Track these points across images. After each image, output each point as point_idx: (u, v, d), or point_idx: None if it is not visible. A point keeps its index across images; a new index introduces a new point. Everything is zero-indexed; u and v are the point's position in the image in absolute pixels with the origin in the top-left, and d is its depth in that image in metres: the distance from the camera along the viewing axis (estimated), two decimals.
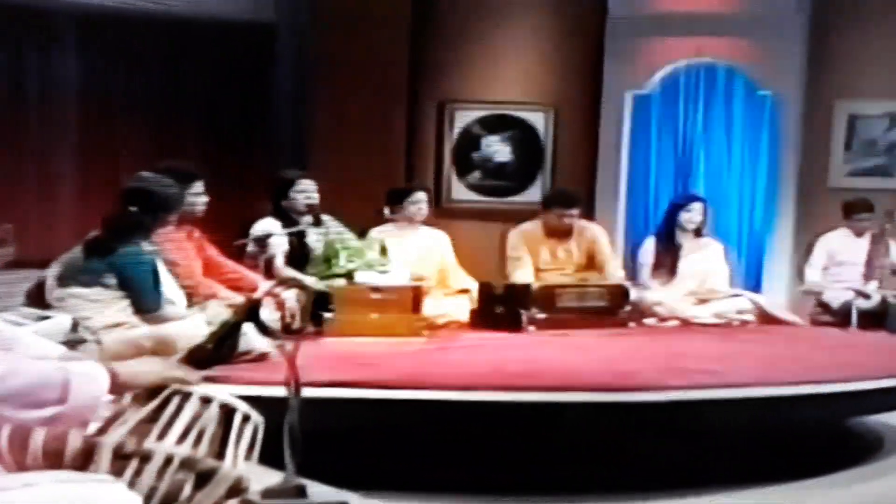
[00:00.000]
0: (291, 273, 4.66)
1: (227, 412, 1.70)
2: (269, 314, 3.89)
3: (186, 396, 1.68)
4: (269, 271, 4.58)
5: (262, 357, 3.50)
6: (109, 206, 3.82)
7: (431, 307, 4.70)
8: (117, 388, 1.62)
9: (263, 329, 1.89)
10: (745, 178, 7.15)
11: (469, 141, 6.77)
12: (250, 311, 1.95)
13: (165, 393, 1.66)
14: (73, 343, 2.93)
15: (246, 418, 1.72)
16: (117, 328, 3.46)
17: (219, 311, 3.75)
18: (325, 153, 6.37)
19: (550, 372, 3.63)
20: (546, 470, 3.61)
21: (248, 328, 3.47)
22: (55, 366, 1.58)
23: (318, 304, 4.30)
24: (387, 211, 5.23)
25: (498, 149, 6.81)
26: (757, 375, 3.79)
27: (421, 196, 5.22)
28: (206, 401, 1.69)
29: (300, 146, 6.54)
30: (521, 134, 6.79)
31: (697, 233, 5.61)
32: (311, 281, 4.49)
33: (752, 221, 7.15)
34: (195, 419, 1.66)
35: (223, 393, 1.72)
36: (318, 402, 2.76)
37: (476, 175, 6.83)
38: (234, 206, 5.41)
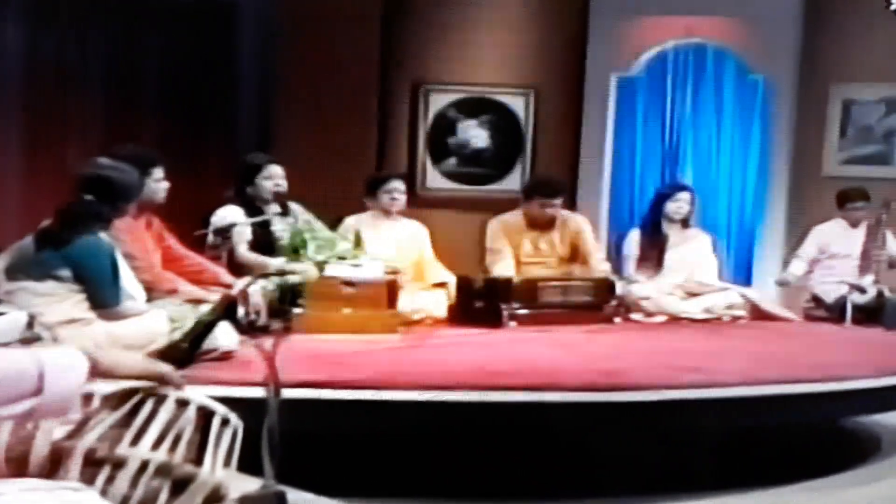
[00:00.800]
0: (254, 258, 4.66)
1: (205, 415, 1.72)
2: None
3: (161, 399, 1.69)
4: (231, 263, 4.58)
5: (227, 356, 3.52)
6: (58, 192, 3.80)
7: (407, 302, 4.73)
8: (98, 376, 1.61)
9: (240, 327, 1.91)
10: (735, 166, 7.24)
11: (444, 126, 6.78)
12: (227, 309, 1.96)
13: (139, 395, 1.67)
14: (28, 341, 2.92)
15: (225, 422, 1.73)
16: (72, 324, 3.45)
17: (182, 307, 3.76)
18: (290, 137, 6.36)
19: (534, 370, 3.67)
20: (530, 472, 3.66)
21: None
22: (26, 353, 1.57)
23: (285, 299, 4.31)
24: (365, 199, 5.25)
25: (475, 134, 6.84)
26: (747, 374, 3.85)
27: (395, 185, 5.23)
28: (182, 403, 1.70)
29: (264, 129, 6.53)
30: (499, 118, 6.81)
31: (684, 224, 5.68)
32: (277, 263, 4.49)
33: (742, 211, 7.24)
34: (171, 423, 1.67)
35: (200, 395, 1.73)
36: (287, 404, 2.78)
37: (452, 162, 6.85)
38: (193, 192, 5.38)
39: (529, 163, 6.86)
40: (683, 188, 5.81)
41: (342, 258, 4.52)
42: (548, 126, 6.88)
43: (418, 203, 6.11)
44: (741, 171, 7.23)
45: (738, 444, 4.00)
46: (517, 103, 6.83)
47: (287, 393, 3.02)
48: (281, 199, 4.87)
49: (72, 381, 1.56)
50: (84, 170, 3.72)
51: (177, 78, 6.24)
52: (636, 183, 7.17)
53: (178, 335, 3.51)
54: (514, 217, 5.51)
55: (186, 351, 1.68)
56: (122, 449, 1.64)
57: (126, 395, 1.68)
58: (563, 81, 6.92)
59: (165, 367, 1.73)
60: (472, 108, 6.80)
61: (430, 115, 6.77)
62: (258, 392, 3.08)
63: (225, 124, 6.47)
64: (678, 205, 5.60)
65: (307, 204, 5.05)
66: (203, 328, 1.84)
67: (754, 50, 6.89)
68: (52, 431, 1.69)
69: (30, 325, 2.96)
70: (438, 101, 6.78)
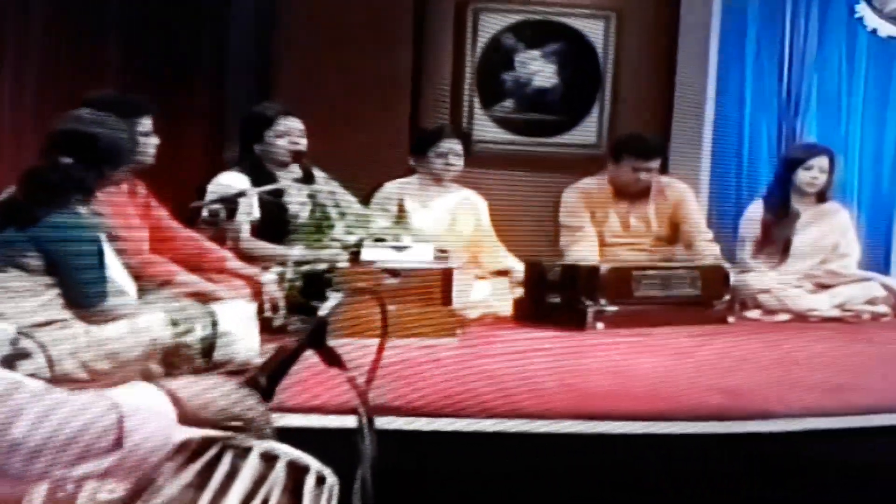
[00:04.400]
0: (262, 247, 4.68)
1: (296, 472, 1.73)
2: (241, 307, 3.91)
3: (243, 452, 1.70)
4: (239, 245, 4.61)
5: (246, 368, 3.54)
6: (13, 152, 3.78)
7: (461, 294, 4.74)
8: (183, 419, 1.63)
9: (331, 357, 1.91)
10: (868, 119, 7.19)
11: (499, 57, 6.78)
12: (316, 332, 1.96)
13: (217, 445, 1.68)
14: (12, 358, 2.93)
15: (320, 480, 1.75)
16: (44, 328, 3.45)
17: (184, 304, 3.77)
18: (296, 76, 6.35)
19: (642, 390, 3.69)
20: None
21: (230, 327, 3.50)
22: (101, 399, 1.59)
23: (310, 292, 4.33)
24: (412, 160, 5.26)
25: (538, 69, 6.82)
26: None
27: (450, 145, 5.25)
28: (269, 458, 1.71)
29: (261, 65, 6.50)
30: (570, 49, 6.81)
31: (820, 197, 5.67)
32: (295, 254, 4.50)
33: (877, 178, 7.20)
34: (257, 483, 1.68)
35: (289, 447, 1.75)
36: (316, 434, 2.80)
37: (508, 105, 6.85)
38: (174, 151, 5.36)
39: (609, 107, 6.84)
40: (821, 151, 5.78)
41: (380, 239, 4.54)
42: (633, 59, 6.87)
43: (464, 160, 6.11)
44: (877, 126, 7.18)
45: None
46: (594, 29, 6.81)
47: (319, 420, 3.08)
48: (300, 161, 4.87)
49: (156, 432, 1.58)
50: (59, 124, 3.72)
51: (152, 6, 6.19)
52: (745, 139, 7.12)
53: (186, 340, 3.55)
54: (598, 184, 5.52)
55: (265, 386, 1.68)
56: None
57: (201, 446, 1.69)
58: (652, 2, 6.89)
59: (258, 411, 1.74)
60: (536, 34, 6.79)
61: (480, 43, 6.75)
62: (298, 420, 3.15)
63: (213, 63, 6.43)
64: (812, 174, 5.60)
65: (324, 168, 5.05)
66: (285, 360, 1.84)
67: None
68: (97, 492, 1.71)
69: (14, 341, 2.97)
70: (491, 25, 6.76)
